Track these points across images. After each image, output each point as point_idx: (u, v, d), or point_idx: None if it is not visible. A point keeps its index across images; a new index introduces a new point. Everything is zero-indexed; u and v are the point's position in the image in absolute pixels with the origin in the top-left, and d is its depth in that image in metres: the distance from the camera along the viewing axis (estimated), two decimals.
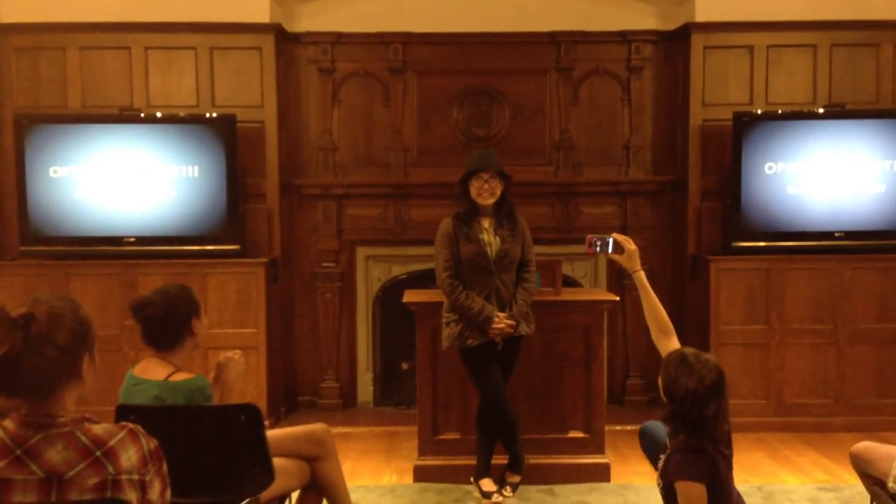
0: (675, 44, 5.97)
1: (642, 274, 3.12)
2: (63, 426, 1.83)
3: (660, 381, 2.72)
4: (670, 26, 6.01)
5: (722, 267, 5.54)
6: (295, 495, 3.36)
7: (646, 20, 6.07)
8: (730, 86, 5.80)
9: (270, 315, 5.59)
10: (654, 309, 3.04)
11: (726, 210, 5.65)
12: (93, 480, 1.79)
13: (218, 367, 3.17)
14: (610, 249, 3.17)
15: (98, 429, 1.85)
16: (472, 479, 4.32)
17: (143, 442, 1.88)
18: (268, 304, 5.53)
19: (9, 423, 1.83)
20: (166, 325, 2.93)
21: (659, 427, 3.05)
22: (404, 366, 6.00)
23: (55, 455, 1.79)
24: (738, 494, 2.77)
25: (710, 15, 5.71)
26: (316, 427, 3.43)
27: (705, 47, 5.77)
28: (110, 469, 1.81)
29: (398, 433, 5.42)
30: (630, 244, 3.16)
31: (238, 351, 3.24)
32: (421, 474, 4.53)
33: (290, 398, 6.05)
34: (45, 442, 1.81)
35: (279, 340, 5.85)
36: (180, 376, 2.90)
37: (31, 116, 5.51)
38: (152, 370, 2.92)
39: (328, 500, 3.42)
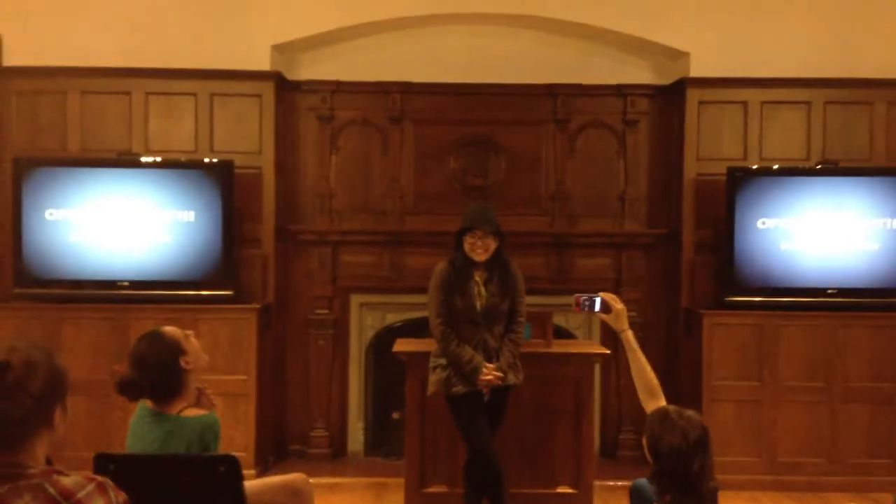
0: (671, 98, 6.02)
1: (630, 334, 3.11)
2: (32, 477, 1.81)
3: (644, 439, 2.70)
4: (665, 81, 6.07)
5: (715, 321, 5.52)
6: None
7: (642, 74, 6.13)
8: (724, 140, 5.84)
9: (262, 361, 5.58)
10: (642, 370, 3.02)
11: (720, 264, 5.66)
12: None
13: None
14: (597, 308, 3.16)
15: (67, 481, 1.83)
16: None
17: (112, 495, 1.86)
18: (259, 351, 5.52)
19: None
20: (157, 387, 2.92)
21: (649, 485, 3.01)
22: (395, 415, 5.96)
23: None
24: None
25: (705, 70, 5.76)
26: (294, 477, 3.40)
27: (700, 102, 5.82)
28: None
29: (387, 485, 5.35)
30: (617, 304, 3.15)
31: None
32: None
33: (279, 447, 6.00)
34: (13, 493, 1.78)
35: (270, 387, 5.82)
36: (192, 412, 2.91)
37: (30, 159, 5.55)
38: (164, 408, 2.93)
39: None
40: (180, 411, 2.92)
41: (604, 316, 3.17)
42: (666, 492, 2.63)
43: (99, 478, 1.88)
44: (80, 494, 1.81)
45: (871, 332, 5.51)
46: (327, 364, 6.05)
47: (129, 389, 2.91)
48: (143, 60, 5.70)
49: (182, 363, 2.95)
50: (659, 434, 2.62)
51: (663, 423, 2.63)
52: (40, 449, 1.87)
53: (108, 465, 2.67)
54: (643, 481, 3.13)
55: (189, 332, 3.11)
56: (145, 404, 2.98)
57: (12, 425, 1.80)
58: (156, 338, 2.99)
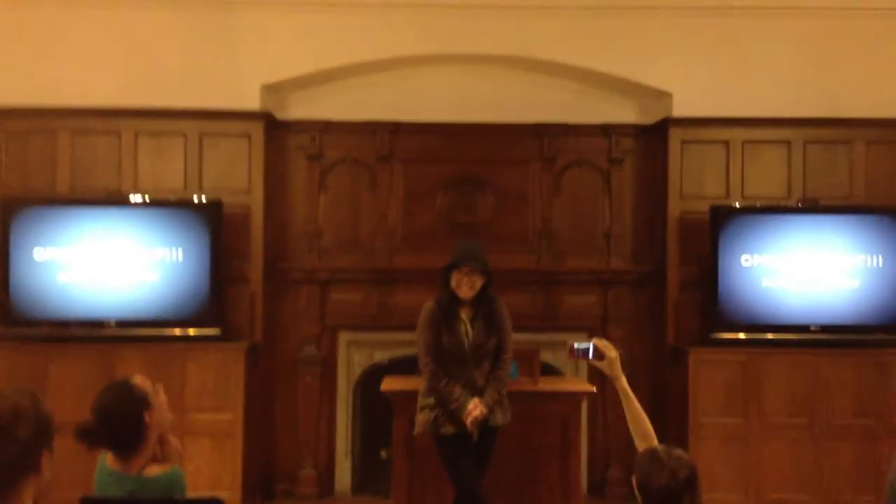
0: (654, 137, 6.11)
1: (624, 381, 3.08)
2: None
3: (633, 478, 2.73)
4: (649, 120, 6.16)
5: (701, 358, 5.57)
6: None
7: (626, 114, 6.22)
8: (707, 179, 5.92)
9: (249, 400, 5.57)
10: (637, 417, 3.02)
11: (704, 301, 5.72)
12: None
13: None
14: (591, 356, 3.17)
15: None
16: None
17: None
18: (247, 389, 5.52)
19: None
20: (117, 439, 2.81)
21: None
22: (384, 454, 5.95)
23: None
24: None
25: (688, 110, 5.86)
26: None
27: (683, 141, 5.91)
28: None
29: None
30: (611, 351, 3.15)
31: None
32: None
33: (266, 486, 5.97)
34: None
35: (257, 426, 5.80)
36: (154, 470, 2.83)
37: (19, 199, 5.58)
38: (124, 465, 2.82)
39: None
40: (142, 468, 2.82)
41: (597, 363, 3.17)
42: None
43: None
44: None
45: (853, 368, 5.56)
46: (315, 402, 6.05)
47: (87, 437, 2.77)
48: (133, 100, 5.75)
49: (146, 418, 2.83)
50: (648, 473, 2.64)
51: (652, 462, 2.66)
52: (27, 494, 1.88)
53: None
54: None
55: (159, 386, 3.03)
56: (105, 462, 2.87)
57: (0, 471, 1.80)
58: (123, 388, 2.88)
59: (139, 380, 2.93)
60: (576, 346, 3.18)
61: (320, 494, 6.01)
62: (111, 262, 5.54)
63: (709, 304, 5.65)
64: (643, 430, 3.00)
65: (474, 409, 4.11)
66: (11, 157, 5.80)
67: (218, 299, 5.56)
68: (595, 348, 3.14)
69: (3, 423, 1.81)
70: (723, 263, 5.60)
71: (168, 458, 2.92)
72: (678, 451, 2.70)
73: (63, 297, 5.49)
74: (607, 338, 5.91)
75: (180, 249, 5.55)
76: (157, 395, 2.92)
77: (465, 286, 4.23)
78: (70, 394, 5.24)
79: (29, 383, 5.14)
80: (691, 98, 5.86)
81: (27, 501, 1.87)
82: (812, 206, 5.74)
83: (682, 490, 2.60)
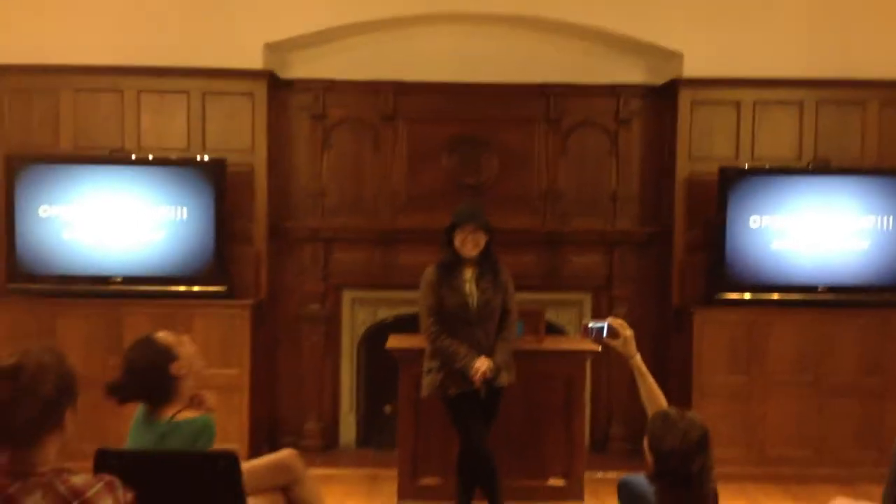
0: (663, 98, 6.06)
1: (639, 359, 3.09)
2: (43, 476, 1.87)
3: (645, 440, 2.73)
4: (658, 81, 6.10)
5: (706, 318, 5.57)
6: None
7: (635, 74, 6.16)
8: (716, 140, 5.87)
9: (255, 356, 5.60)
10: (652, 395, 3.03)
11: (711, 262, 5.70)
12: None
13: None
14: (605, 334, 3.14)
15: (76, 479, 1.89)
16: None
17: (120, 493, 1.92)
18: (252, 346, 5.55)
19: None
20: (150, 392, 2.95)
21: (641, 482, 3.03)
22: (387, 409, 6.00)
23: None
24: None
25: (698, 70, 5.80)
26: (283, 454, 3.43)
27: (692, 102, 5.85)
28: None
29: (380, 476, 5.38)
30: (626, 330, 3.14)
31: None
32: None
33: (272, 439, 6.02)
34: (25, 491, 1.84)
35: (263, 382, 5.85)
36: (185, 415, 2.93)
37: (23, 157, 5.56)
38: (159, 411, 2.95)
39: None
40: (174, 415, 2.93)
41: (612, 342, 3.16)
42: (666, 491, 2.67)
43: (107, 477, 1.94)
44: (89, 493, 1.88)
45: (859, 328, 5.57)
46: (319, 359, 6.09)
47: (117, 392, 2.93)
48: (135, 58, 5.70)
49: (173, 370, 2.95)
50: (660, 435, 2.65)
51: (664, 424, 2.67)
52: (51, 449, 1.93)
53: (109, 461, 2.69)
54: (631, 477, 3.17)
55: (185, 336, 3.10)
56: (143, 408, 2.99)
57: (25, 426, 1.87)
58: (146, 344, 2.99)
59: (162, 334, 3.04)
60: (590, 325, 3.17)
61: (325, 447, 6.07)
62: (115, 220, 5.53)
63: (715, 265, 5.63)
64: (659, 407, 2.99)
65: (482, 365, 4.11)
66: (14, 115, 5.77)
67: (223, 257, 5.56)
68: (609, 327, 3.13)
69: (28, 380, 1.88)
70: (730, 224, 5.57)
71: (201, 410, 3.03)
72: (691, 414, 2.72)
73: (68, 254, 5.49)
74: (611, 298, 6.02)
75: (184, 208, 5.54)
76: (183, 345, 3.02)
77: (470, 244, 4.23)
78: (78, 348, 5.30)
79: (36, 338, 5.18)
80: (702, 58, 5.79)
81: (51, 456, 1.93)
82: (822, 168, 5.70)
83: (693, 451, 2.61)
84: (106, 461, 2.71)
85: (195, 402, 3.06)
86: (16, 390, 1.85)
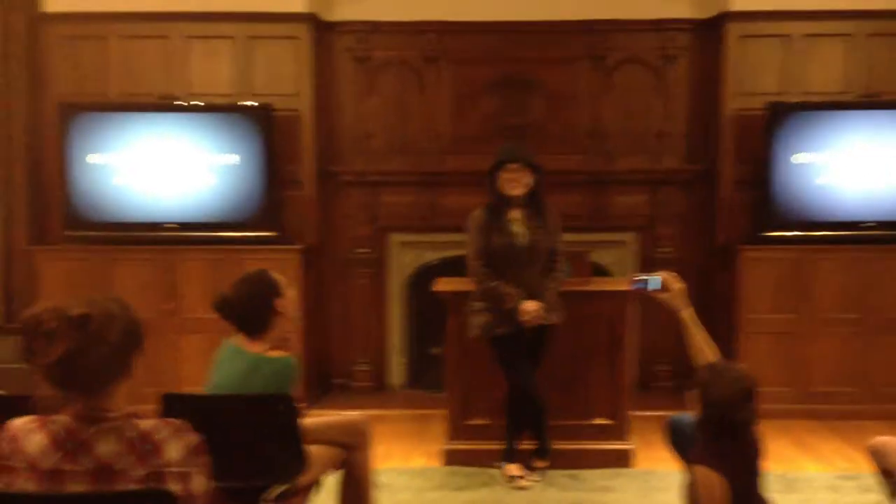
0: (710, 33, 5.95)
1: (689, 312, 3.06)
2: (114, 421, 1.94)
3: (693, 390, 2.78)
4: (705, 15, 5.99)
5: (751, 256, 5.57)
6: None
7: (680, 9, 6.05)
8: (764, 75, 5.77)
9: (306, 300, 5.72)
10: (701, 349, 3.01)
11: (757, 199, 5.66)
12: (139, 472, 1.90)
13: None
14: (657, 287, 3.10)
15: (146, 424, 1.96)
16: (499, 463, 4.44)
17: (188, 437, 1.98)
18: (303, 290, 5.66)
19: (64, 418, 1.94)
20: (249, 317, 3.08)
21: (688, 422, 3.08)
22: (435, 350, 6.11)
23: (106, 448, 1.90)
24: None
25: (746, 4, 5.68)
26: (357, 418, 3.55)
27: (740, 36, 5.75)
28: (156, 462, 1.91)
29: (428, 416, 5.52)
30: (676, 283, 3.14)
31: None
32: (449, 458, 4.65)
33: (323, 380, 6.19)
34: (97, 435, 1.91)
35: (314, 325, 5.98)
36: (273, 353, 3.07)
37: (74, 105, 5.66)
38: (248, 345, 3.09)
39: (353, 489, 3.54)
40: (263, 351, 3.07)
41: (660, 295, 3.13)
42: (711, 440, 2.74)
43: (175, 421, 2.00)
44: (158, 437, 1.94)
45: None
46: (368, 301, 6.21)
47: (222, 307, 3.08)
48: (181, 4, 5.74)
49: (277, 305, 3.10)
50: (709, 384, 2.72)
51: (713, 375, 2.74)
52: (119, 394, 2.00)
53: (174, 404, 2.82)
54: (678, 417, 3.23)
55: (292, 284, 3.28)
56: (231, 342, 3.12)
57: (95, 373, 1.92)
58: (261, 274, 3.16)
59: (276, 273, 3.19)
60: (639, 277, 3.15)
61: (374, 389, 6.22)
62: (166, 167, 5.64)
63: (761, 202, 5.60)
64: (707, 360, 3.01)
65: (530, 307, 4.17)
66: (64, 64, 5.86)
67: (273, 202, 5.66)
68: (660, 281, 3.12)
69: (97, 328, 1.92)
70: (777, 161, 5.53)
71: (287, 351, 3.16)
72: (738, 365, 2.79)
73: (122, 201, 5.62)
74: (655, 237, 6.01)
75: (234, 153, 5.62)
76: (289, 288, 3.18)
77: (514, 183, 4.24)
78: (133, 293, 5.44)
79: (92, 285, 5.36)
80: None
81: (120, 401, 1.99)
82: (871, 101, 5.60)
83: (740, 401, 2.68)
84: (171, 405, 2.84)
85: (282, 343, 3.20)
86: (85, 339, 1.89)
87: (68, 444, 1.91)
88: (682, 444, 3.09)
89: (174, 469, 1.93)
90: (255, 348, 3.08)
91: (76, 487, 1.89)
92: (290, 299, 3.16)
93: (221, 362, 3.11)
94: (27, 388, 4.05)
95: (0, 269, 5.87)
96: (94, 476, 1.90)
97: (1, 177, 5.85)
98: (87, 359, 1.90)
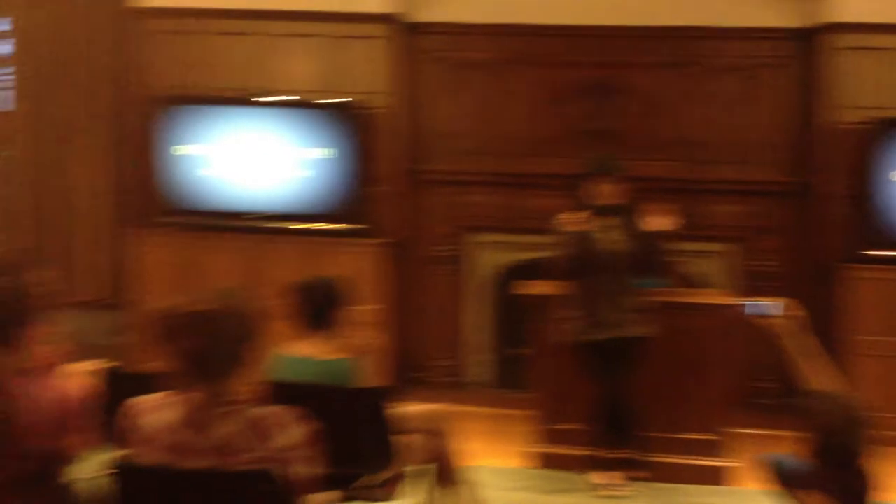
0: (810, 43, 5.79)
1: (806, 341, 3.13)
2: (235, 405, 2.07)
3: (806, 419, 2.76)
4: (803, 24, 5.82)
5: (855, 275, 5.34)
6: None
7: (779, 17, 5.88)
8: (866, 88, 5.56)
9: (390, 294, 5.74)
10: (817, 374, 3.05)
11: (857, 216, 5.46)
12: (256, 454, 2.03)
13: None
14: (767, 312, 3.15)
15: (265, 410, 2.09)
16: (587, 470, 4.37)
17: (303, 425, 2.09)
18: (391, 284, 5.67)
19: (192, 397, 2.06)
20: (323, 309, 3.21)
21: (788, 460, 3.05)
22: (514, 351, 6.07)
23: (227, 429, 2.03)
24: None
25: (848, 15, 5.50)
26: (436, 407, 3.60)
27: (841, 48, 5.57)
28: (271, 446, 2.04)
29: (509, 416, 5.38)
30: (798, 311, 3.18)
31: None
32: (536, 460, 4.61)
33: (403, 375, 6.16)
34: (222, 418, 2.04)
35: (396, 319, 5.96)
36: (332, 356, 3.20)
37: (170, 98, 5.78)
38: (307, 348, 3.21)
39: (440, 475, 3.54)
40: (323, 355, 3.20)
41: (771, 321, 3.19)
42: (825, 469, 2.71)
43: (293, 410, 2.11)
44: (275, 423, 2.07)
45: None
46: (448, 299, 6.21)
47: (309, 291, 3.26)
48: (270, 3, 5.82)
49: (347, 310, 3.29)
50: (823, 414, 2.73)
51: (827, 404, 2.76)
52: (237, 384, 2.11)
53: (284, 393, 2.84)
54: (776, 456, 3.18)
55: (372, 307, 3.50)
56: (287, 354, 3.21)
57: (218, 363, 2.06)
58: (329, 280, 3.35)
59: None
60: (753, 303, 3.15)
61: (454, 385, 6.19)
62: (260, 160, 5.76)
63: (863, 220, 5.39)
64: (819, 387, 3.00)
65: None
66: (161, 58, 5.91)
67: (360, 197, 5.72)
68: (774, 307, 3.14)
69: (220, 322, 2.05)
70: (880, 177, 5.33)
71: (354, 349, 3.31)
72: (851, 393, 2.77)
73: (214, 191, 5.79)
74: (748, 250, 5.84)
75: (324, 149, 5.70)
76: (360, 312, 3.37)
77: (606, 193, 4.21)
78: (227, 281, 5.50)
79: (184, 272, 5.49)
80: (851, 1, 5.49)
81: (239, 389, 2.11)
82: None
83: (851, 429, 2.71)
84: (281, 393, 2.88)
85: (351, 346, 3.33)
86: (210, 332, 2.03)
87: (196, 422, 2.04)
88: (786, 476, 3.04)
89: (288, 453, 2.05)
90: (314, 351, 3.20)
91: (197, 463, 2.02)
92: (360, 314, 3.34)
93: (296, 361, 3.20)
94: (132, 362, 4.21)
95: (107, 250, 6.11)
96: (214, 454, 2.02)
97: (107, 166, 6.11)
98: (212, 351, 2.04)
